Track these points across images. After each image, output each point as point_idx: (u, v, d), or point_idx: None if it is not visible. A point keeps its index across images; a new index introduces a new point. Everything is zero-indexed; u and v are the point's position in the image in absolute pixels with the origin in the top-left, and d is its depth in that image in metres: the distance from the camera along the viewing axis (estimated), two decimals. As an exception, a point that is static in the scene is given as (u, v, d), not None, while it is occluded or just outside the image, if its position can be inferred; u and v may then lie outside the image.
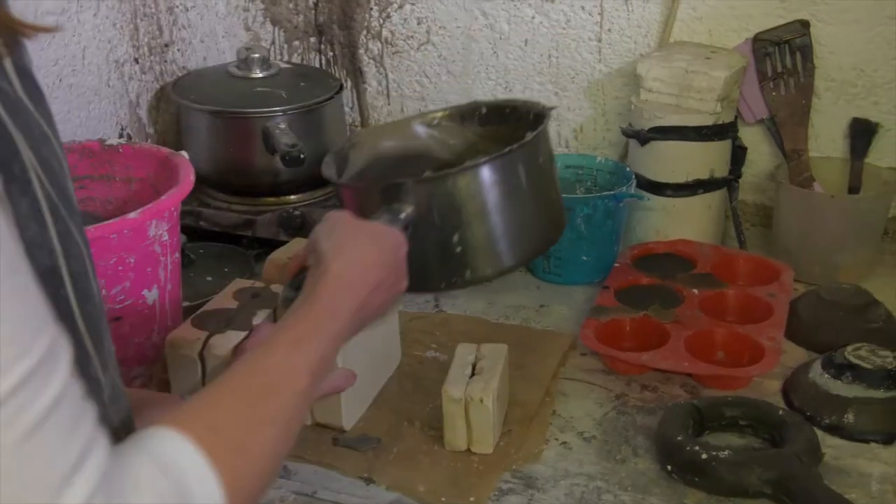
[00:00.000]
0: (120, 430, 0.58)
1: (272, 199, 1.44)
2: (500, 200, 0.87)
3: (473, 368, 1.03)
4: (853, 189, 1.35)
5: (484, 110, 1.04)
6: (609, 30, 1.45)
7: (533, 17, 1.48)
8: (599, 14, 1.44)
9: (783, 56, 1.35)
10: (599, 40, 1.46)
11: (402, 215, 0.83)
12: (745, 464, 0.92)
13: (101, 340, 0.57)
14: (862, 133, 1.35)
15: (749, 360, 1.12)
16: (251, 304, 1.11)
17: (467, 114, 1.04)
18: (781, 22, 1.35)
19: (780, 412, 1.01)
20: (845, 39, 1.34)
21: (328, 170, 0.95)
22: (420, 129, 1.04)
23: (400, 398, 1.11)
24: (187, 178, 1.07)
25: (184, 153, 1.15)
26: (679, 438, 0.96)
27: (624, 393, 1.11)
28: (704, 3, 1.38)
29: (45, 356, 0.44)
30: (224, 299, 1.12)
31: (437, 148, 0.94)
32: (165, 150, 1.16)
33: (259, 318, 1.08)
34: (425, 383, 1.12)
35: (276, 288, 1.14)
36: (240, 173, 1.42)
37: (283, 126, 1.35)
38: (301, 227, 1.38)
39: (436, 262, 0.87)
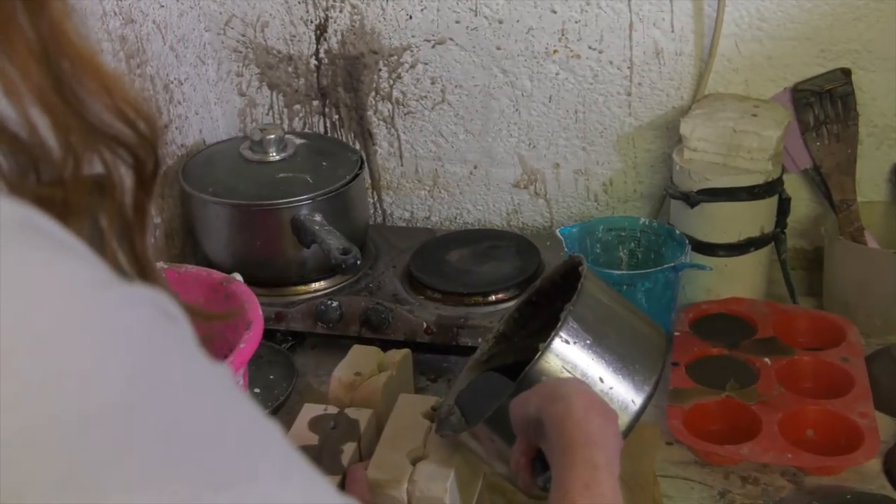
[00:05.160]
0: None
1: (301, 288, 1.35)
2: (590, 361, 0.87)
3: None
4: (903, 236, 1.33)
5: (516, 314, 1.04)
6: (639, 84, 1.39)
7: (557, 74, 1.41)
8: (629, 68, 1.38)
9: (825, 105, 1.32)
10: (629, 94, 1.40)
11: None
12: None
13: None
14: (906, 177, 1.34)
15: (844, 439, 1.09)
16: (332, 437, 1.03)
17: (506, 330, 1.05)
18: (821, 70, 1.32)
19: (904, 509, 0.99)
20: (885, 86, 1.31)
21: (454, 429, 0.95)
22: (477, 371, 1.04)
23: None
24: (258, 317, 0.98)
25: (237, 276, 1.06)
26: (818, 553, 0.93)
27: (727, 489, 1.07)
28: (740, 54, 1.34)
29: None
30: (301, 432, 1.04)
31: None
32: (217, 274, 1.07)
33: (346, 454, 1.01)
34: (519, 497, 1.06)
35: (353, 413, 1.07)
36: (266, 266, 1.33)
37: (318, 218, 1.26)
38: (340, 319, 1.30)
39: None
